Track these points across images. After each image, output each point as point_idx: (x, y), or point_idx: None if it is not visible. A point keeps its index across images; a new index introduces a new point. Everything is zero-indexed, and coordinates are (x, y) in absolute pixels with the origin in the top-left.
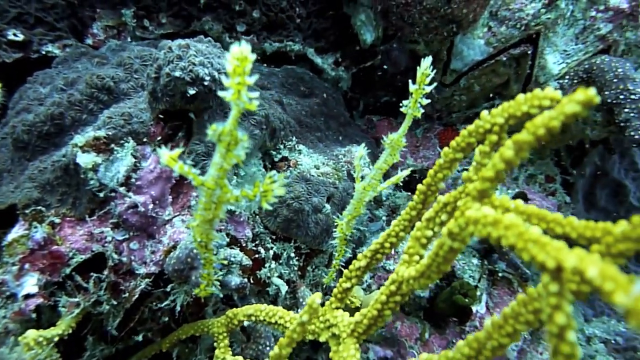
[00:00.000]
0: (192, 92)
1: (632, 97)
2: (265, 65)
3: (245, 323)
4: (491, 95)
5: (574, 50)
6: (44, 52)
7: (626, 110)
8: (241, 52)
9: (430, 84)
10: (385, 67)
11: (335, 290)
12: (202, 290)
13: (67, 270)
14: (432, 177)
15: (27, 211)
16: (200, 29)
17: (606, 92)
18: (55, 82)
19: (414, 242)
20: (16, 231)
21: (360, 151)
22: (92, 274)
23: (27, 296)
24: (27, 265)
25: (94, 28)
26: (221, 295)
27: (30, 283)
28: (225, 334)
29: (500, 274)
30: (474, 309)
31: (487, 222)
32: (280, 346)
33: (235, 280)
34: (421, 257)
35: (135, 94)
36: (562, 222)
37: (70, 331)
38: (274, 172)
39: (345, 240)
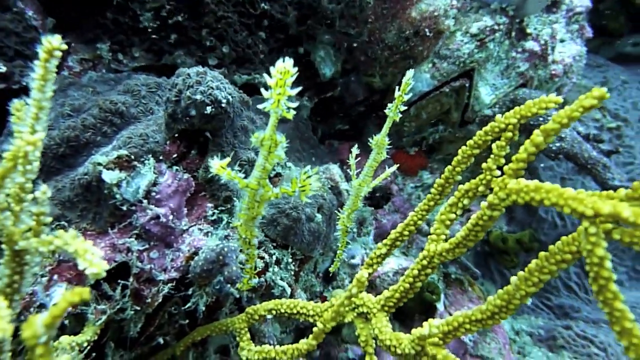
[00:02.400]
0: (210, 112)
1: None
2: None
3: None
4: (434, 121)
5: (501, 84)
6: (24, 83)
7: None
8: (284, 67)
9: (407, 93)
10: (343, 97)
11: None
12: (245, 284)
13: (92, 280)
14: (450, 172)
15: None
16: (172, 62)
17: None
18: (57, 109)
19: (440, 224)
20: None
21: (353, 150)
22: (119, 281)
23: None
24: (55, 277)
25: (70, 61)
26: (237, 296)
27: (60, 293)
28: (246, 329)
29: (453, 276)
30: (436, 306)
31: (529, 189)
32: (325, 321)
33: (253, 280)
34: (446, 236)
35: (144, 117)
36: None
37: (96, 337)
38: (308, 167)
39: (345, 232)
